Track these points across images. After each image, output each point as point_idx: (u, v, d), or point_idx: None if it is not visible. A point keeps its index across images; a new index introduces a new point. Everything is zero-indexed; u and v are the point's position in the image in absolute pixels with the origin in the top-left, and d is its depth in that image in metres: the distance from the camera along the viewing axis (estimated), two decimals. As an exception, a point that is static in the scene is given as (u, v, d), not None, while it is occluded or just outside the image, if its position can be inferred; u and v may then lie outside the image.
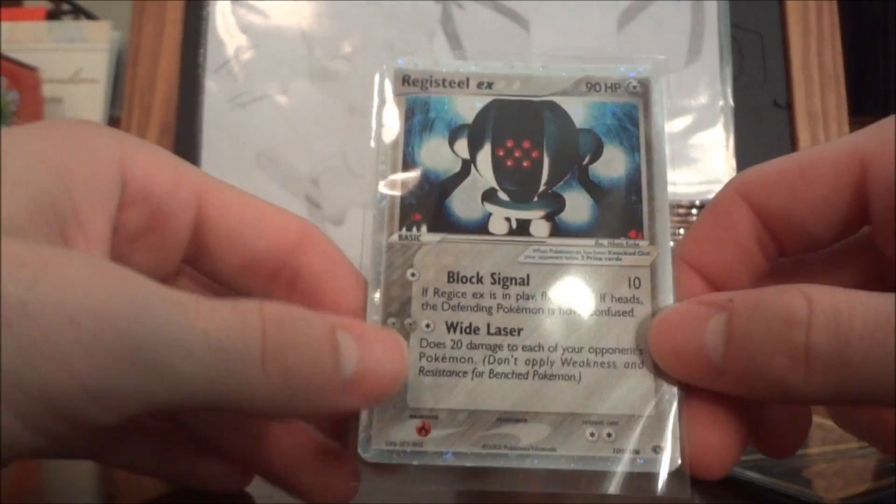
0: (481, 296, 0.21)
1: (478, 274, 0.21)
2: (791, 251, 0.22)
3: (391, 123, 0.22)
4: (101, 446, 0.22)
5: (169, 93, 0.64)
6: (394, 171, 0.22)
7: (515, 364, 0.20)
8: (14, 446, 0.15)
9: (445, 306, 0.21)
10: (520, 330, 0.20)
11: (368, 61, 0.63)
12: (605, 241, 0.21)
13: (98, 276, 0.15)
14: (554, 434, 0.20)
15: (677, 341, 0.19)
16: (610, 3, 0.64)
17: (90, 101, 0.69)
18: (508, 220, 0.21)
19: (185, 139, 0.63)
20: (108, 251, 0.19)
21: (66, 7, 0.78)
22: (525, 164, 0.22)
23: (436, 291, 0.21)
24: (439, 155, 0.22)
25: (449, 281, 0.21)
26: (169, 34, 0.65)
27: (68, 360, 0.14)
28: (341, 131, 0.62)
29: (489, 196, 0.22)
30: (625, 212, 0.21)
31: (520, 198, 0.22)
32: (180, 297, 0.16)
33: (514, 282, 0.21)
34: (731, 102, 0.62)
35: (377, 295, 0.21)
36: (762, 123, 0.62)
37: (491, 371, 0.20)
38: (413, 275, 0.21)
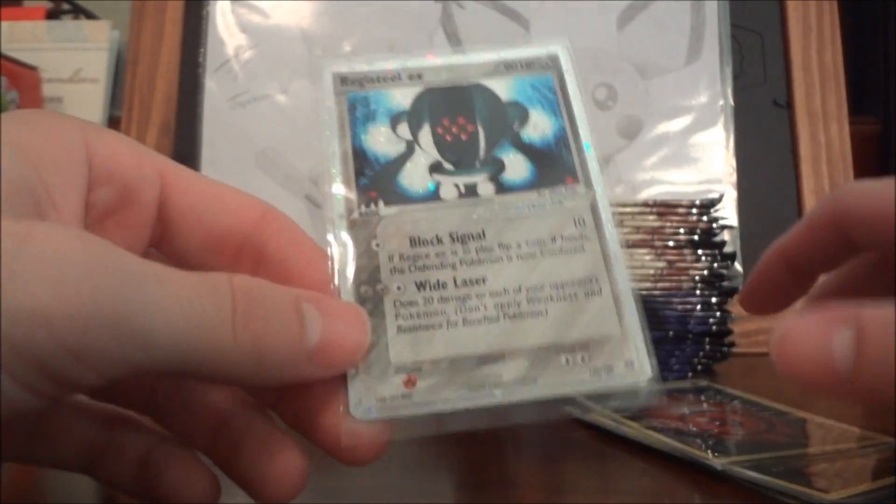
0: (444, 255, 0.22)
1: (437, 236, 0.23)
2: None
3: (337, 118, 0.24)
4: (90, 462, 0.23)
5: (169, 92, 0.64)
6: (345, 158, 0.24)
7: (485, 309, 0.22)
8: (11, 405, 0.16)
9: (412, 268, 0.22)
10: (484, 279, 0.22)
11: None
12: (546, 191, 0.23)
13: (80, 244, 0.17)
14: (532, 366, 0.21)
15: (801, 351, 0.20)
16: (610, 3, 0.64)
17: (90, 101, 0.69)
18: (457, 186, 0.23)
19: (185, 139, 0.63)
20: (82, 228, 0.20)
21: (65, 6, 0.78)
22: (463, 137, 0.24)
23: (401, 256, 0.22)
24: (385, 139, 0.24)
25: (412, 246, 0.22)
26: (169, 33, 0.65)
27: (54, 323, 0.16)
28: (341, 131, 0.62)
29: (436, 168, 0.24)
30: (558, 164, 0.24)
31: (464, 166, 0.24)
32: (155, 267, 0.17)
33: (471, 237, 0.23)
34: (731, 102, 0.62)
35: (349, 268, 0.22)
36: (762, 123, 0.62)
37: (464, 319, 0.21)
38: (377, 245, 0.22)
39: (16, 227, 0.16)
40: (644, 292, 0.50)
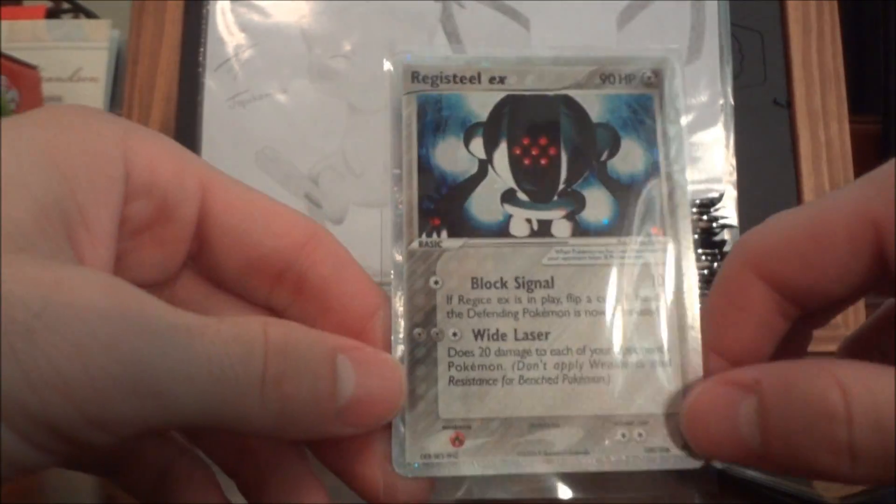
0: (507, 301, 0.20)
1: (502, 279, 0.21)
2: (814, 309, 0.21)
3: (404, 125, 0.22)
4: (113, 468, 0.22)
5: (169, 91, 0.64)
6: (409, 175, 0.21)
7: (545, 369, 0.20)
8: (14, 462, 0.15)
9: (471, 313, 0.20)
10: (547, 334, 0.20)
11: (369, 60, 0.63)
12: (627, 240, 0.21)
13: (107, 299, 0.15)
14: (586, 437, 0.20)
15: (711, 428, 0.19)
16: (610, 2, 0.64)
17: (90, 100, 0.69)
18: (529, 221, 0.21)
19: (184, 138, 0.63)
20: (114, 249, 0.19)
21: (65, 6, 0.77)
22: (543, 161, 0.22)
23: (460, 298, 0.20)
24: (455, 156, 0.22)
25: (473, 287, 0.20)
26: (169, 33, 0.65)
27: (71, 388, 0.14)
28: (341, 130, 0.62)
29: (508, 197, 0.21)
30: (645, 208, 0.21)
31: (539, 198, 0.21)
32: (187, 321, 0.16)
33: (538, 285, 0.21)
34: (732, 101, 0.62)
35: (400, 306, 0.20)
36: (762, 122, 0.62)
37: (521, 377, 0.20)
38: (436, 283, 0.21)
39: (41, 276, 0.15)
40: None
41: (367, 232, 0.61)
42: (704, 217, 0.50)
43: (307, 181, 0.62)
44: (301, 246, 0.21)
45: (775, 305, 0.20)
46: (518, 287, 0.21)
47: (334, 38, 0.64)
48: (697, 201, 0.51)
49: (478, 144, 0.22)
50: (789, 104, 0.62)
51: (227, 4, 0.65)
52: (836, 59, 0.62)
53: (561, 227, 0.21)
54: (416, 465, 0.19)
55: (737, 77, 0.62)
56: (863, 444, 0.17)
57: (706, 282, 0.49)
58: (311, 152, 0.62)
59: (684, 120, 0.22)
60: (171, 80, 0.64)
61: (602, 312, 0.20)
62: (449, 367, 0.20)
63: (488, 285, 0.21)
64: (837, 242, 0.19)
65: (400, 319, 0.20)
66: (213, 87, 0.63)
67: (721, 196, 0.53)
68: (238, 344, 0.16)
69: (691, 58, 0.63)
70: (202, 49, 0.64)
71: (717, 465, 0.26)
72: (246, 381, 0.16)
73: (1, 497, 0.25)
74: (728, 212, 0.59)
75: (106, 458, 0.22)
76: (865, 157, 0.64)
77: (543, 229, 0.21)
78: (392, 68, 0.22)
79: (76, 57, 0.70)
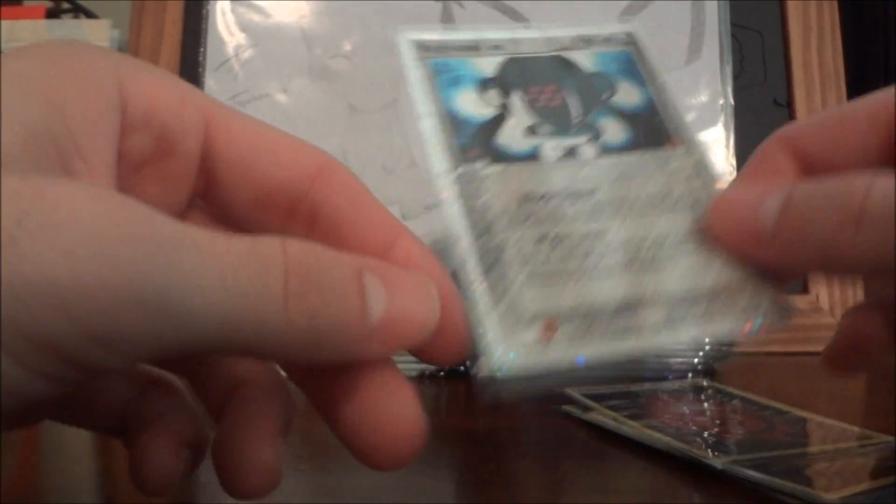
0: (559, 209, 0.22)
1: (547, 193, 0.22)
2: None
3: (421, 82, 0.23)
4: (122, 425, 0.21)
5: (169, 91, 0.64)
6: (441, 120, 0.23)
7: (613, 260, 0.21)
8: (18, 393, 0.14)
9: (528, 223, 0.21)
10: (605, 232, 0.22)
11: (369, 60, 0.63)
12: (647, 154, 0.23)
13: (99, 206, 0.14)
14: (672, 313, 0.21)
15: (733, 212, 0.22)
16: (610, 2, 0.64)
17: (90, 100, 0.69)
18: (556, 148, 0.23)
19: (184, 138, 0.63)
20: (114, 182, 0.18)
21: (65, 6, 0.77)
22: (555, 103, 0.24)
23: (514, 212, 0.21)
24: (475, 103, 0.23)
25: (524, 202, 0.22)
26: (169, 33, 0.65)
27: (65, 300, 0.13)
28: (341, 130, 0.62)
29: (532, 131, 0.23)
30: (655, 129, 0.24)
31: (560, 130, 0.23)
32: (194, 233, 0.15)
33: (582, 194, 0.22)
34: (732, 101, 0.62)
35: (462, 221, 0.21)
36: (762, 122, 0.62)
37: (593, 269, 0.21)
38: (488, 200, 0.22)
39: (20, 187, 0.13)
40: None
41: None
42: (704, 217, 0.50)
43: (307, 181, 0.62)
44: (312, 177, 0.20)
45: (795, 178, 0.23)
46: (566, 197, 0.22)
47: (334, 37, 0.64)
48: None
49: (493, 94, 0.24)
50: (789, 104, 0.62)
51: (227, 4, 0.65)
52: (836, 59, 0.62)
53: (587, 150, 0.23)
54: (512, 354, 0.19)
55: (737, 77, 0.62)
56: (873, 209, 0.18)
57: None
58: (311, 152, 0.62)
59: (660, 67, 0.26)
60: (171, 80, 0.64)
61: (648, 211, 0.22)
62: (522, 266, 0.21)
63: (537, 198, 0.22)
64: (858, 122, 0.22)
65: (463, 232, 0.21)
66: (213, 87, 0.63)
67: (721, 196, 0.53)
68: (253, 254, 0.15)
69: (691, 58, 0.63)
70: (202, 49, 0.64)
71: (717, 465, 0.26)
72: (267, 296, 0.15)
73: (1, 497, 0.25)
74: (728, 212, 0.59)
75: (118, 414, 0.21)
76: (865, 157, 0.64)
77: (571, 153, 0.23)
78: (402, 41, 0.24)
79: (76, 57, 0.70)
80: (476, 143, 0.22)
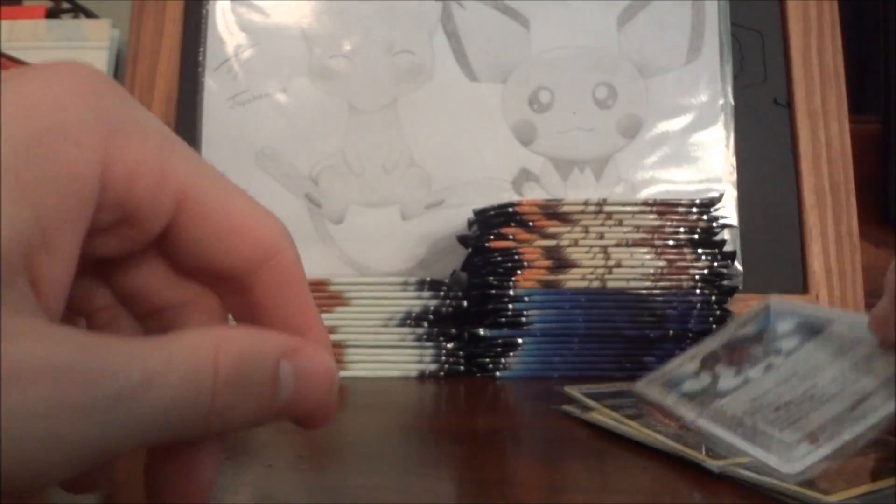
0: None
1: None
2: None
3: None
4: None
5: (168, 91, 0.64)
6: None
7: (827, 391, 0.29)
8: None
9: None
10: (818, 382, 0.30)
11: (369, 60, 0.63)
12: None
13: (39, 358, 0.15)
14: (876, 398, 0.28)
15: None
16: (610, 2, 0.64)
17: (90, 100, 0.69)
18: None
19: (184, 137, 0.63)
20: (74, 267, 0.19)
21: (65, 5, 0.77)
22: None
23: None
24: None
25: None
26: (169, 32, 0.65)
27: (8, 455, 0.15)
28: (341, 130, 0.62)
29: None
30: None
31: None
32: (130, 363, 0.16)
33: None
34: (732, 101, 0.62)
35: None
36: (762, 122, 0.62)
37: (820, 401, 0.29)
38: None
39: None
40: (644, 291, 0.50)
41: (367, 231, 0.61)
42: (704, 217, 0.50)
43: (307, 181, 0.62)
44: (259, 265, 0.22)
45: None
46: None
47: (334, 38, 0.64)
48: (697, 201, 0.51)
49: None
50: (789, 104, 0.62)
51: (227, 4, 0.65)
52: (836, 59, 0.62)
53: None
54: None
55: (737, 77, 0.62)
56: None
57: (706, 281, 0.49)
58: (311, 152, 0.62)
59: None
60: (171, 80, 0.64)
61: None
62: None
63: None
64: None
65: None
66: (213, 86, 0.64)
67: (721, 196, 0.53)
68: (187, 383, 0.17)
69: (691, 57, 0.63)
70: (202, 49, 0.64)
71: (714, 468, 0.26)
72: (193, 417, 0.17)
73: (1, 497, 0.25)
74: (728, 211, 0.59)
75: None
76: (865, 158, 0.64)
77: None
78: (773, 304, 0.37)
79: (76, 57, 0.70)
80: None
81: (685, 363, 0.36)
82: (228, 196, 0.21)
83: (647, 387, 0.35)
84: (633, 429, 0.30)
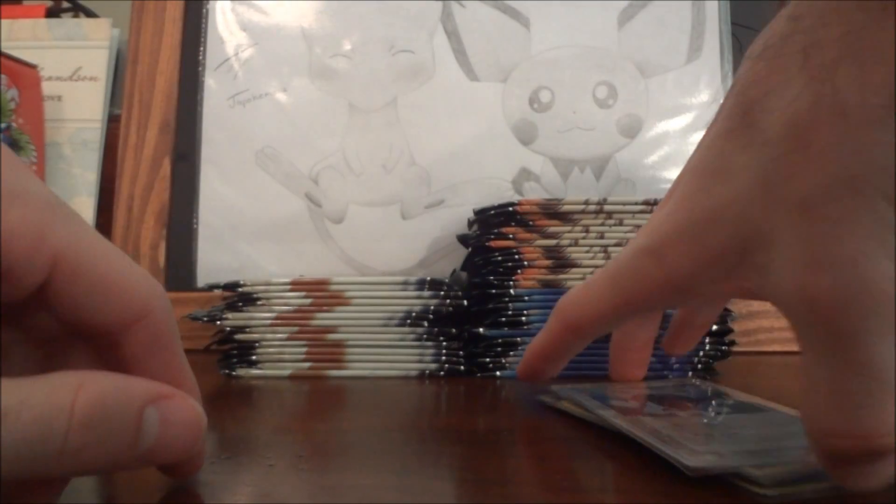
0: None
1: None
2: None
3: None
4: None
5: (169, 91, 0.64)
6: None
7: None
8: None
9: None
10: None
11: (369, 59, 0.63)
12: None
13: None
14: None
15: None
16: (610, 2, 0.64)
17: (90, 99, 0.69)
18: None
19: (184, 137, 0.63)
20: None
21: (65, 5, 0.78)
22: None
23: None
24: None
25: None
26: (169, 32, 0.65)
27: None
28: (341, 129, 0.62)
29: None
30: None
31: None
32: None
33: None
34: (732, 101, 0.62)
35: None
36: (763, 122, 0.62)
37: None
38: None
39: None
40: (644, 291, 0.50)
41: (367, 231, 0.61)
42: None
43: (307, 181, 0.62)
44: (130, 324, 0.23)
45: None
46: None
47: (334, 37, 0.64)
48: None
49: None
50: (790, 103, 0.62)
51: (228, 4, 0.65)
52: (836, 59, 0.62)
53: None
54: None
55: (737, 76, 0.62)
56: None
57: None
58: (311, 152, 0.62)
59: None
60: (171, 80, 0.64)
61: None
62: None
63: None
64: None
65: None
66: (213, 86, 0.64)
67: (721, 195, 0.53)
68: (39, 422, 0.18)
69: (692, 57, 0.63)
70: (202, 48, 0.64)
71: (690, 463, 0.26)
72: (43, 455, 0.18)
73: (1, 497, 0.25)
74: (728, 211, 0.59)
75: None
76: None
77: None
78: None
79: (76, 56, 0.70)
80: None
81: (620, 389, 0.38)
82: (105, 258, 0.22)
83: (577, 393, 0.37)
84: (620, 424, 0.30)
